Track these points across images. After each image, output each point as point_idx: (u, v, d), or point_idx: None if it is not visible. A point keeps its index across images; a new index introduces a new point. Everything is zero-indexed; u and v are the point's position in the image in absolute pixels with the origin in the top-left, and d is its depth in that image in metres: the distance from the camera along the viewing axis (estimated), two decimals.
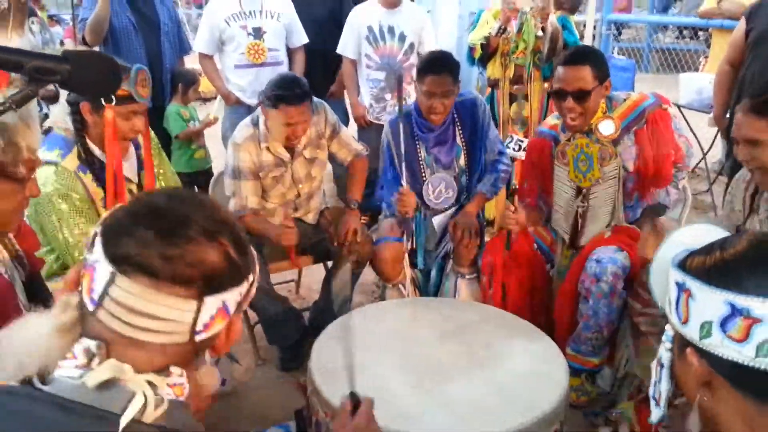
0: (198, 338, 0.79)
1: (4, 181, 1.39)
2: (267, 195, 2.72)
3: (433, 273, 2.85)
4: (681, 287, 0.86)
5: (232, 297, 0.82)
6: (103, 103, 2.00)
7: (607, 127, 2.36)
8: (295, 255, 2.73)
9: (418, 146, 2.75)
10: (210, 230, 0.81)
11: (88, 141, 2.11)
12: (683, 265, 0.88)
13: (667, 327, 0.93)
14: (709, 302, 0.81)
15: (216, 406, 2.44)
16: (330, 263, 2.97)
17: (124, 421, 0.70)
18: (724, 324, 0.80)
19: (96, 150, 2.13)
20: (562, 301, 2.47)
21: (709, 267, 0.84)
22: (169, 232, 0.78)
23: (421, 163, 2.76)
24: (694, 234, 0.94)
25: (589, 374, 2.44)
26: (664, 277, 0.92)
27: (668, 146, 2.35)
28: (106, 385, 0.74)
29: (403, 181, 2.68)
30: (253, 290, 0.89)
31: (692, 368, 0.85)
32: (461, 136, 2.75)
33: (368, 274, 3.25)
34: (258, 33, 3.65)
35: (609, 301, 2.25)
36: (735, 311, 0.79)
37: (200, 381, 0.91)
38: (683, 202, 2.70)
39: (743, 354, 0.78)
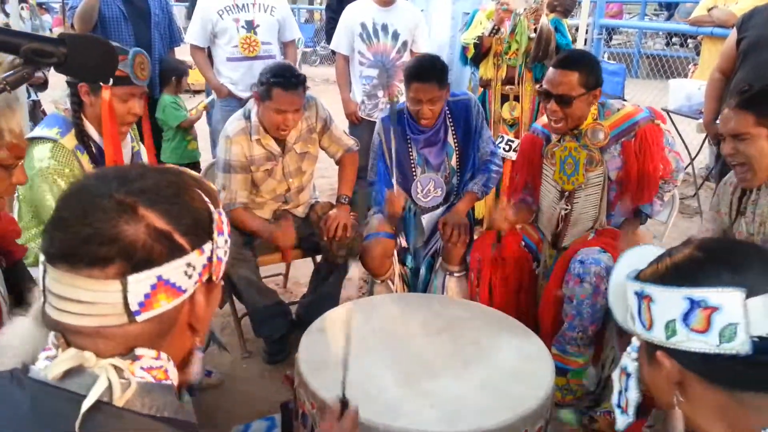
0: (141, 318, 0.74)
1: None
2: (258, 189, 2.72)
3: (423, 270, 2.86)
4: (640, 296, 0.91)
5: (173, 271, 0.75)
6: (101, 83, 2.00)
7: (595, 134, 2.38)
8: (276, 227, 2.72)
9: (409, 145, 2.76)
10: (126, 203, 0.74)
11: (85, 122, 2.12)
12: (638, 277, 0.93)
13: (633, 339, 0.96)
14: (669, 301, 0.86)
15: (202, 397, 2.45)
16: (318, 258, 2.97)
17: (87, 403, 0.69)
18: (686, 318, 0.84)
19: (93, 132, 2.14)
20: (546, 302, 2.49)
21: (663, 272, 0.90)
22: (83, 211, 0.73)
23: (411, 161, 2.76)
24: (639, 256, 0.98)
25: (574, 373, 2.45)
26: (621, 299, 0.96)
27: (655, 162, 2.36)
28: (72, 372, 0.73)
29: (393, 180, 2.68)
30: (221, 257, 0.82)
31: (664, 371, 0.88)
32: (454, 136, 2.75)
33: (356, 270, 3.25)
34: (250, 26, 3.64)
35: (592, 302, 2.27)
36: (694, 304, 0.83)
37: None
38: (670, 207, 2.73)
39: (708, 343, 0.82)
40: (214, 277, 0.82)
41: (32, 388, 0.74)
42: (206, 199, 0.83)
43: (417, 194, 2.78)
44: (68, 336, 0.76)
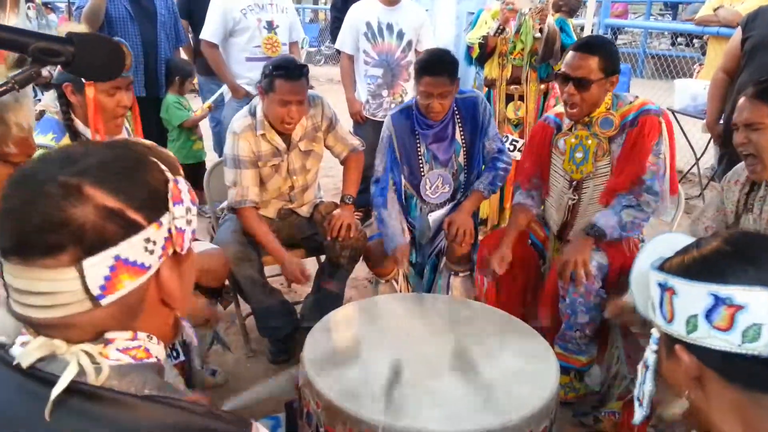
0: (106, 301, 0.72)
1: None
2: (264, 186, 2.72)
3: (427, 270, 2.86)
4: (663, 287, 0.89)
5: (131, 249, 0.72)
6: (83, 81, 1.98)
7: (606, 123, 2.37)
8: (288, 253, 2.72)
9: (417, 142, 2.76)
10: (70, 184, 0.70)
11: (76, 123, 2.10)
12: (662, 268, 0.91)
13: (653, 330, 0.95)
14: (693, 296, 0.84)
15: (206, 397, 2.45)
16: (323, 257, 2.98)
17: (56, 390, 0.68)
18: (709, 315, 0.82)
19: (87, 131, 2.11)
20: (545, 299, 2.49)
21: (689, 264, 0.88)
22: (28, 199, 0.70)
23: (420, 158, 2.76)
24: (666, 243, 0.96)
25: (577, 372, 2.45)
26: (644, 287, 0.95)
27: (644, 153, 2.31)
28: (46, 359, 0.72)
29: (402, 177, 2.68)
30: (182, 227, 0.79)
31: (682, 365, 0.87)
32: (461, 133, 2.75)
33: (360, 270, 3.25)
34: (270, 26, 3.66)
35: (585, 300, 2.27)
36: (718, 301, 0.82)
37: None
38: (676, 207, 2.72)
39: (730, 342, 0.81)
40: (178, 249, 0.79)
41: (14, 369, 0.73)
42: (163, 167, 0.79)
43: (425, 191, 2.78)
44: (38, 328, 0.74)
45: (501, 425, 1.59)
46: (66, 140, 2.08)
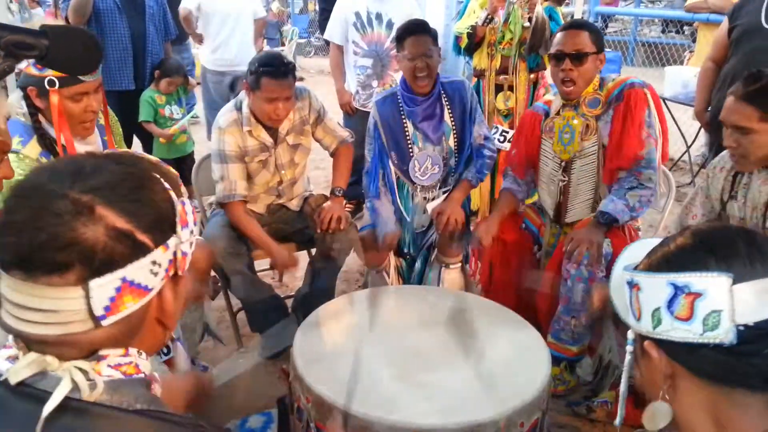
0: (107, 322, 0.71)
1: None
2: (252, 181, 2.70)
3: (418, 262, 2.85)
4: (630, 285, 0.89)
5: (137, 271, 0.72)
6: (46, 86, 1.87)
7: (593, 103, 2.42)
8: (278, 246, 2.70)
9: (405, 123, 2.74)
10: (82, 203, 0.69)
11: (44, 125, 1.99)
12: (632, 268, 0.91)
13: (629, 332, 0.94)
14: (654, 288, 0.84)
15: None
16: (313, 251, 2.96)
17: (48, 407, 0.67)
18: (670, 306, 0.82)
19: (54, 134, 1.98)
20: (545, 283, 2.48)
21: (653, 260, 0.87)
22: (36, 214, 0.68)
23: (408, 140, 2.75)
24: (643, 248, 0.95)
25: (568, 363, 2.45)
26: (621, 292, 0.94)
27: (637, 125, 2.33)
28: (36, 375, 0.71)
29: (390, 162, 2.66)
30: (186, 252, 0.79)
31: (654, 363, 0.86)
32: (450, 114, 2.74)
33: (352, 263, 3.24)
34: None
35: (587, 286, 2.27)
36: (677, 290, 0.81)
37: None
38: (667, 195, 2.72)
39: (692, 332, 0.80)
40: (179, 272, 0.79)
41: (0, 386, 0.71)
42: (167, 186, 0.79)
43: (415, 172, 2.77)
44: (29, 344, 0.72)
45: (492, 417, 1.58)
46: (34, 143, 1.98)
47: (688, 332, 0.80)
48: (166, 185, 0.79)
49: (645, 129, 2.34)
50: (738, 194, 2.03)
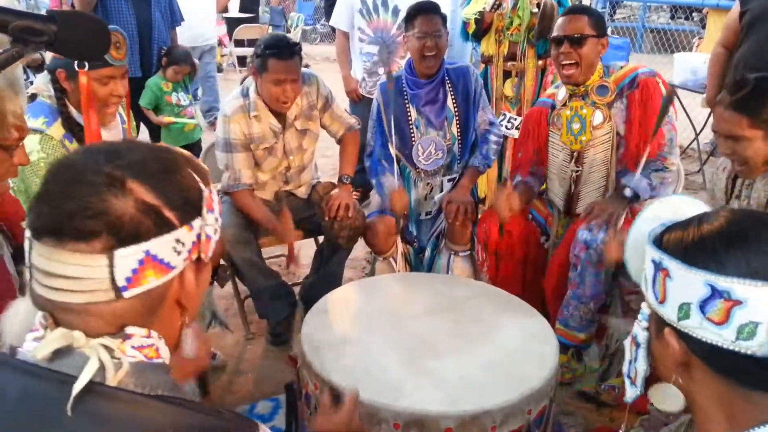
0: (128, 294, 0.72)
1: None
2: (259, 167, 2.69)
3: (428, 251, 2.85)
4: (658, 266, 0.83)
5: (161, 246, 0.74)
6: (76, 68, 1.95)
7: (602, 90, 2.41)
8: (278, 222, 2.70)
9: (407, 108, 2.73)
10: (114, 176, 0.72)
11: (70, 108, 2.07)
12: (659, 242, 0.85)
13: (643, 305, 0.90)
14: (688, 283, 0.79)
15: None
16: (321, 238, 2.96)
17: (78, 386, 0.68)
18: (703, 306, 0.77)
19: (79, 118, 2.07)
20: (554, 269, 2.48)
21: (687, 245, 0.81)
22: (69, 185, 0.72)
23: (410, 125, 2.74)
24: (670, 208, 0.90)
25: (575, 351, 2.45)
26: (639, 252, 0.89)
27: (655, 114, 2.31)
28: (61, 353, 0.72)
29: (392, 146, 2.66)
30: (210, 235, 0.81)
31: (669, 349, 0.83)
32: (453, 100, 2.73)
33: (358, 250, 3.24)
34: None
35: (596, 270, 2.26)
36: (715, 293, 0.76)
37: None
38: (675, 182, 2.70)
39: (723, 337, 0.76)
40: (203, 256, 0.81)
41: (21, 372, 0.72)
42: (196, 177, 0.81)
43: (418, 157, 2.76)
44: (56, 314, 0.74)
45: (499, 405, 1.58)
46: (58, 125, 2.05)
47: (719, 336, 0.76)
48: (196, 176, 0.82)
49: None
50: (742, 194, 2.02)
